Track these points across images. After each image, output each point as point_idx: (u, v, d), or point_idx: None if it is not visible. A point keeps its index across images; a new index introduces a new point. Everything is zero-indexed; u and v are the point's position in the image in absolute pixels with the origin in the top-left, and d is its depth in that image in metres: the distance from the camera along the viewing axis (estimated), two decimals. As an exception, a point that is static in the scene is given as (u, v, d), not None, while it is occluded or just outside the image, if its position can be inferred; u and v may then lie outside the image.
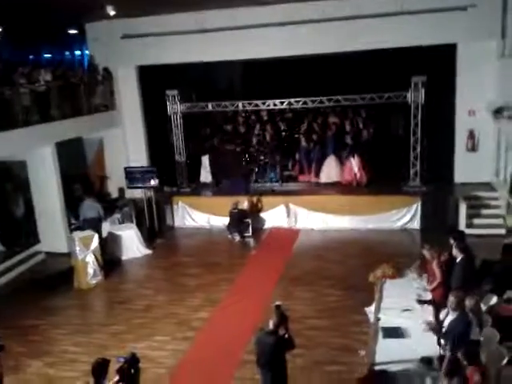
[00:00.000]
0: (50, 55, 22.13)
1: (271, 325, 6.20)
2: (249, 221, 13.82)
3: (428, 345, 6.81)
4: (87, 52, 17.49)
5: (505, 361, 6.07)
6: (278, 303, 6.53)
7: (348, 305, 9.48)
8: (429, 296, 7.93)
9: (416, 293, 8.36)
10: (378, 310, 8.15)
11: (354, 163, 14.68)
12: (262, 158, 15.62)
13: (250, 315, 9.32)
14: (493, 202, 13.27)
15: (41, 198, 13.16)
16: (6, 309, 10.23)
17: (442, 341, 6.32)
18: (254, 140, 15.78)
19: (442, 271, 7.42)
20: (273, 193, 14.90)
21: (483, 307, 7.21)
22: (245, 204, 14.09)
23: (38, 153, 12.79)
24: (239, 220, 13.69)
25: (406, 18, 13.55)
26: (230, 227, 13.78)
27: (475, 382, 5.33)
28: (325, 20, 14.00)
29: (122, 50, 15.54)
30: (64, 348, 8.82)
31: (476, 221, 12.81)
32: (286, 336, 6.22)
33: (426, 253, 7.79)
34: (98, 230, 12.49)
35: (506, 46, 13.10)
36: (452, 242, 7.89)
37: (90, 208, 13.10)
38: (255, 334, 6.56)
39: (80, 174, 16.18)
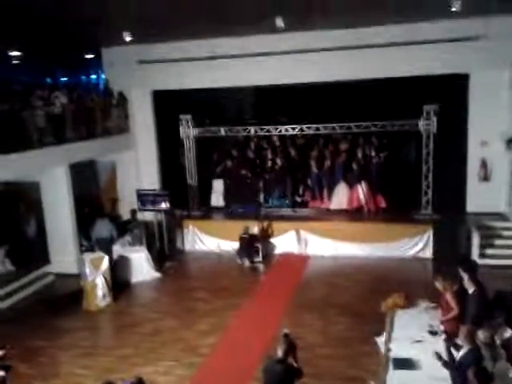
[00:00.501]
0: (66, 78, 22.57)
1: (280, 353, 6.11)
2: (259, 246, 13.77)
3: (440, 376, 6.67)
4: (103, 76, 17.82)
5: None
6: (286, 331, 6.47)
7: (358, 334, 9.32)
8: (441, 327, 7.81)
9: (428, 323, 8.23)
10: (388, 340, 8.02)
11: (361, 190, 14.67)
12: (273, 183, 15.62)
13: (258, 342, 9.20)
14: (506, 233, 13.12)
15: (53, 219, 13.26)
16: (14, 329, 10.23)
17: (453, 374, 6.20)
18: (266, 165, 15.82)
19: (458, 302, 7.30)
20: (288, 217, 14.93)
21: (497, 341, 7.06)
22: (255, 229, 14.07)
23: (51, 174, 12.94)
24: (249, 245, 13.66)
25: (418, 48, 13.66)
26: (240, 252, 13.74)
27: None
28: (337, 48, 14.15)
29: (137, 74, 15.80)
30: (71, 370, 8.77)
31: (489, 251, 12.65)
32: (295, 365, 6.13)
33: (439, 285, 7.69)
34: (109, 251, 12.53)
35: (518, 76, 13.14)
36: (463, 273, 7.78)
37: (102, 228, 13.19)
38: (263, 362, 6.47)
39: (92, 196, 16.34)
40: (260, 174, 15.77)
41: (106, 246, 12.75)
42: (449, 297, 7.40)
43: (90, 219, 13.93)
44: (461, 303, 7.31)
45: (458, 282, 7.78)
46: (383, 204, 14.77)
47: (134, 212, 15.16)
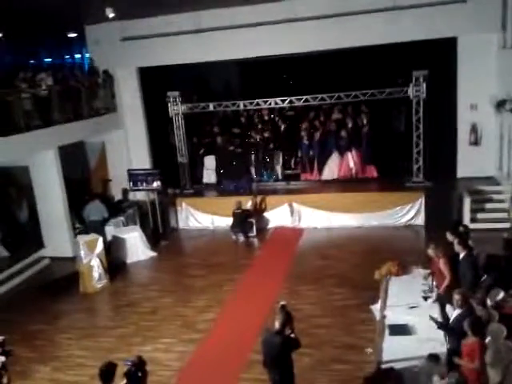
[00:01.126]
0: (50, 59, 22.16)
1: (277, 325, 6.19)
2: (253, 221, 13.81)
3: (435, 341, 6.79)
4: (87, 55, 17.50)
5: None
6: (283, 303, 6.55)
7: (354, 303, 9.44)
8: (434, 292, 7.92)
9: (421, 289, 8.35)
10: (383, 307, 8.14)
11: (351, 158, 14.70)
12: (265, 156, 15.59)
13: (255, 315, 9.30)
14: (496, 196, 13.20)
15: (44, 203, 13.19)
16: (13, 314, 10.28)
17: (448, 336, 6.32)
18: (256, 139, 15.73)
19: (450, 270, 7.36)
20: (280, 190, 15.00)
21: (489, 302, 7.18)
22: (248, 204, 14.09)
23: (40, 157, 12.82)
24: (243, 220, 13.69)
25: (404, 13, 13.52)
26: (234, 228, 13.77)
27: (473, 352, 5.39)
28: (323, 17, 13.97)
29: (121, 52, 15.54)
30: (71, 352, 8.85)
31: (480, 215, 12.75)
32: (293, 335, 6.22)
33: (431, 252, 7.74)
34: (102, 233, 12.55)
35: (506, 38, 13.04)
36: (453, 238, 7.87)
37: (94, 210, 13.18)
38: (261, 335, 6.55)
39: (83, 178, 16.23)
40: (250, 148, 15.68)
41: (98, 227, 12.76)
42: (442, 264, 7.48)
43: (81, 201, 13.87)
44: (452, 269, 7.38)
45: (450, 248, 7.87)
46: (375, 174, 14.79)
47: (125, 192, 15.13)
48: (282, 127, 16.06)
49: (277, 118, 16.43)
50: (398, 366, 6.57)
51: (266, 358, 6.29)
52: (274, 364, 6.23)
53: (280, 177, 15.64)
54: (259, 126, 16.10)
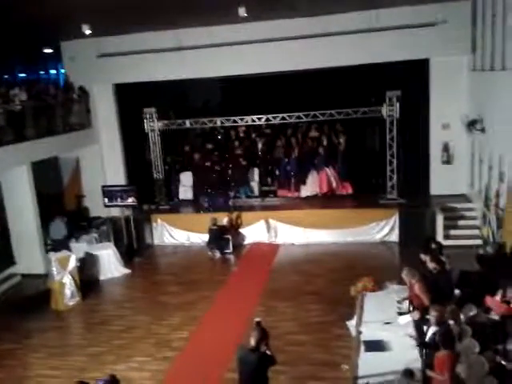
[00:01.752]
0: (24, 74, 21.92)
1: (252, 342, 6.09)
2: (229, 237, 13.77)
3: (410, 356, 6.82)
4: (63, 71, 17.37)
5: (486, 369, 6.12)
6: (258, 319, 6.50)
7: (329, 319, 9.45)
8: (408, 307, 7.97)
9: (397, 305, 8.40)
10: (359, 323, 8.16)
11: (327, 174, 14.90)
12: (240, 173, 15.61)
13: (231, 333, 9.22)
14: (469, 213, 13.48)
15: (16, 219, 12.93)
16: (-19, 333, 9.98)
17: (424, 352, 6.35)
18: (233, 156, 15.77)
19: (427, 293, 7.26)
20: (257, 207, 15.10)
21: (462, 318, 7.27)
22: (224, 220, 14.06)
23: (12, 173, 12.58)
24: (219, 236, 13.64)
25: (377, 35, 13.81)
26: (210, 244, 13.70)
27: (444, 364, 5.43)
28: (299, 37, 14.19)
29: (98, 68, 15.48)
30: (41, 372, 8.61)
31: (453, 232, 12.98)
32: (268, 352, 6.15)
33: (405, 277, 7.65)
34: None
35: (476, 60, 13.44)
36: (424, 257, 7.97)
37: (54, 229, 13.08)
38: (237, 352, 6.46)
39: (56, 193, 15.99)
40: (227, 165, 15.70)
41: (61, 246, 12.49)
42: (417, 289, 7.39)
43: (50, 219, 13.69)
44: (429, 291, 7.33)
45: (422, 267, 7.92)
46: (350, 190, 14.97)
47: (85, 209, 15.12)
48: (259, 144, 16.14)
49: (253, 135, 16.53)
50: (373, 381, 6.57)
51: (241, 376, 6.19)
52: (249, 382, 6.13)
53: (256, 193, 15.68)
54: (235, 143, 16.15)
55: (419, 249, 8.53)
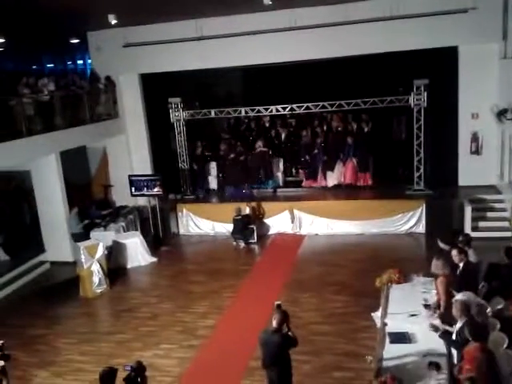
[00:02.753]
0: (52, 65, 22.28)
1: (274, 323, 6.27)
2: (253, 227, 13.81)
3: (436, 349, 6.77)
4: (89, 61, 17.58)
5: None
6: (278, 302, 6.68)
7: (354, 310, 9.44)
8: (435, 300, 7.88)
9: (422, 297, 8.31)
10: (384, 315, 8.10)
11: (353, 166, 14.79)
12: (265, 164, 15.58)
13: (255, 322, 9.23)
14: (498, 205, 13.22)
15: (46, 208, 13.20)
16: (13, 319, 10.27)
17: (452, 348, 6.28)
18: (257, 146, 15.76)
19: (447, 291, 7.14)
20: (281, 197, 15.11)
21: (490, 311, 7.16)
22: (246, 210, 14.08)
23: (42, 162, 12.84)
24: (243, 226, 13.69)
25: (406, 22, 13.57)
26: (235, 234, 13.77)
27: (476, 359, 5.33)
28: (326, 25, 14.04)
29: (124, 58, 15.61)
30: (70, 357, 8.81)
31: (481, 224, 12.76)
32: (290, 334, 6.30)
33: (434, 266, 7.57)
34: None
35: (507, 48, 13.11)
36: (443, 246, 7.89)
37: (71, 223, 13.08)
38: (260, 334, 6.57)
39: (84, 183, 16.26)
40: (252, 155, 15.68)
41: (81, 239, 12.32)
42: (438, 283, 7.30)
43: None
44: (448, 293, 7.21)
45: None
46: (375, 181, 14.80)
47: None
48: (284, 134, 16.08)
49: (278, 125, 16.47)
50: (398, 374, 6.53)
51: (264, 357, 6.34)
52: (272, 362, 6.28)
53: (281, 183, 15.64)
54: (261, 133, 16.12)
55: (445, 240, 8.45)
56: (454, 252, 7.71)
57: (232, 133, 16.89)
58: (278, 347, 6.17)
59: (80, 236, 12.81)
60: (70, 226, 13.14)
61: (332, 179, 15.16)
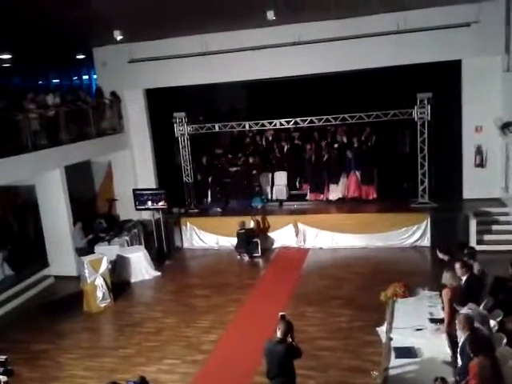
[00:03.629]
0: (58, 80, 22.48)
1: (279, 334, 6.28)
2: (257, 241, 13.78)
3: (442, 364, 6.69)
4: (95, 76, 17.74)
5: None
6: (282, 313, 6.66)
7: (359, 325, 9.37)
8: (441, 314, 7.82)
9: (428, 311, 8.25)
10: (389, 329, 8.02)
11: (356, 179, 14.76)
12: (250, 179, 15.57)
13: (260, 337, 9.17)
14: (503, 218, 13.16)
15: (50, 222, 13.22)
16: (16, 333, 10.25)
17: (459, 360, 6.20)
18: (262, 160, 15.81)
19: (450, 306, 7.11)
20: (285, 211, 15.12)
21: (496, 325, 7.09)
22: (251, 224, 14.06)
23: (46, 177, 12.89)
24: (247, 240, 13.66)
25: (409, 36, 13.65)
26: (239, 248, 13.74)
27: (478, 373, 5.28)
28: (328, 40, 14.13)
29: (129, 73, 15.74)
30: (74, 373, 8.76)
31: (486, 237, 12.69)
32: (294, 344, 6.32)
33: (444, 277, 7.56)
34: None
35: (510, 61, 13.12)
36: (442, 256, 7.92)
37: (75, 236, 12.96)
38: (265, 345, 6.55)
39: (88, 197, 16.31)
40: (256, 169, 15.71)
41: (82, 255, 12.18)
42: (444, 295, 7.26)
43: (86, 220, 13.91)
44: (451, 309, 7.15)
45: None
46: (380, 195, 14.78)
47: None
48: (286, 148, 16.11)
49: (282, 139, 16.52)
50: (404, 389, 6.47)
51: (269, 368, 6.34)
52: (277, 373, 6.27)
53: (285, 197, 15.61)
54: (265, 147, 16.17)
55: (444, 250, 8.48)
56: (457, 265, 7.67)
57: (232, 147, 16.92)
58: (282, 357, 6.20)
59: (84, 250, 12.77)
60: (74, 240, 13.09)
61: (336, 193, 15.14)
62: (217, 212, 15.30)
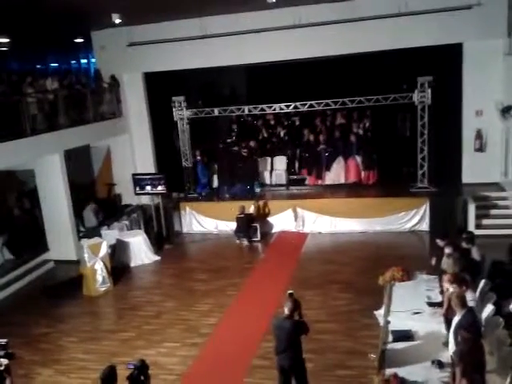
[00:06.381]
0: (56, 64, 22.32)
1: (286, 311, 6.47)
2: (256, 225, 13.81)
3: (439, 347, 6.75)
4: (93, 60, 17.61)
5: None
6: (290, 291, 6.90)
7: (357, 308, 9.42)
8: (439, 298, 7.87)
9: (426, 295, 8.30)
10: (387, 313, 8.08)
11: (360, 162, 14.71)
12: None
13: (258, 320, 9.27)
14: (501, 202, 13.18)
15: (49, 207, 13.22)
16: (17, 317, 10.32)
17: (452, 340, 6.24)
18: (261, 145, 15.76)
19: (448, 304, 6.85)
20: (284, 195, 15.07)
21: (492, 308, 7.12)
22: (251, 208, 14.08)
23: (46, 161, 12.87)
24: (247, 225, 13.68)
25: (410, 19, 13.52)
26: (238, 232, 13.77)
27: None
28: (328, 23, 14.02)
29: (127, 57, 15.63)
30: (74, 356, 8.84)
31: (485, 221, 12.70)
32: (301, 320, 6.53)
33: (444, 262, 7.62)
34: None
35: (512, 44, 13.03)
36: (441, 242, 8.08)
37: (86, 217, 13.31)
38: (272, 321, 6.79)
39: (87, 182, 16.30)
40: (255, 154, 15.67)
41: (94, 234, 12.78)
42: (447, 291, 7.21)
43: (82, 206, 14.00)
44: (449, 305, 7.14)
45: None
46: (379, 179, 14.77)
47: (119, 196, 15.81)
48: (284, 132, 16.03)
49: (282, 123, 16.46)
50: (401, 372, 6.52)
51: (277, 344, 6.53)
52: (284, 348, 6.45)
53: (285, 181, 15.59)
54: (264, 131, 16.09)
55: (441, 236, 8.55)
56: (448, 249, 7.76)
57: (232, 132, 16.86)
58: (289, 333, 6.39)
59: (96, 230, 13.05)
60: (87, 220, 13.42)
61: (336, 177, 15.11)
62: (225, 197, 15.24)
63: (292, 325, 6.41)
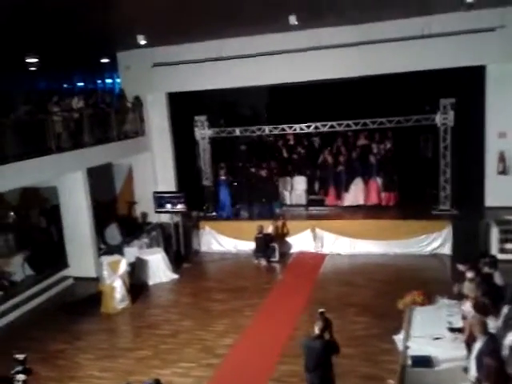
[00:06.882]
0: (82, 83, 22.81)
1: (317, 330, 6.48)
2: (275, 245, 13.75)
3: (458, 373, 6.58)
4: (118, 80, 17.94)
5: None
6: (321, 310, 6.94)
7: (376, 333, 9.25)
8: (460, 323, 7.69)
9: (447, 320, 8.13)
10: (407, 338, 7.93)
11: (377, 185, 14.61)
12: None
13: (275, 342, 9.18)
14: (526, 227, 12.86)
15: (71, 223, 13.38)
16: (35, 333, 10.39)
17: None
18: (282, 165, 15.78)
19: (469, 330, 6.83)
20: (303, 215, 15.07)
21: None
22: (270, 228, 14.03)
23: (69, 178, 13.06)
24: (265, 245, 13.64)
25: (433, 41, 13.44)
26: (257, 252, 13.72)
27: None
28: (350, 44, 14.03)
29: (152, 77, 15.86)
30: (90, 373, 8.85)
31: (509, 246, 12.39)
32: (332, 340, 6.51)
33: (466, 287, 7.49)
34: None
35: (535, 67, 12.86)
36: (462, 267, 7.87)
37: (110, 235, 13.53)
38: (302, 341, 6.76)
39: (109, 199, 16.48)
40: (275, 174, 15.68)
41: (115, 251, 12.96)
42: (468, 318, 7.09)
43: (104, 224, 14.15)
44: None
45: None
46: (400, 201, 14.62)
47: (144, 215, 15.39)
48: (303, 153, 16.04)
49: (302, 143, 16.48)
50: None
51: (307, 363, 6.52)
52: (315, 368, 6.44)
53: (294, 202, 15.63)
54: (285, 151, 16.11)
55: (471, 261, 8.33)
56: (469, 274, 7.60)
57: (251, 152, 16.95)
58: (319, 353, 6.37)
59: (118, 248, 13.26)
60: (111, 238, 13.71)
61: (354, 198, 15.01)
62: (244, 216, 15.25)
63: (322, 345, 6.38)
